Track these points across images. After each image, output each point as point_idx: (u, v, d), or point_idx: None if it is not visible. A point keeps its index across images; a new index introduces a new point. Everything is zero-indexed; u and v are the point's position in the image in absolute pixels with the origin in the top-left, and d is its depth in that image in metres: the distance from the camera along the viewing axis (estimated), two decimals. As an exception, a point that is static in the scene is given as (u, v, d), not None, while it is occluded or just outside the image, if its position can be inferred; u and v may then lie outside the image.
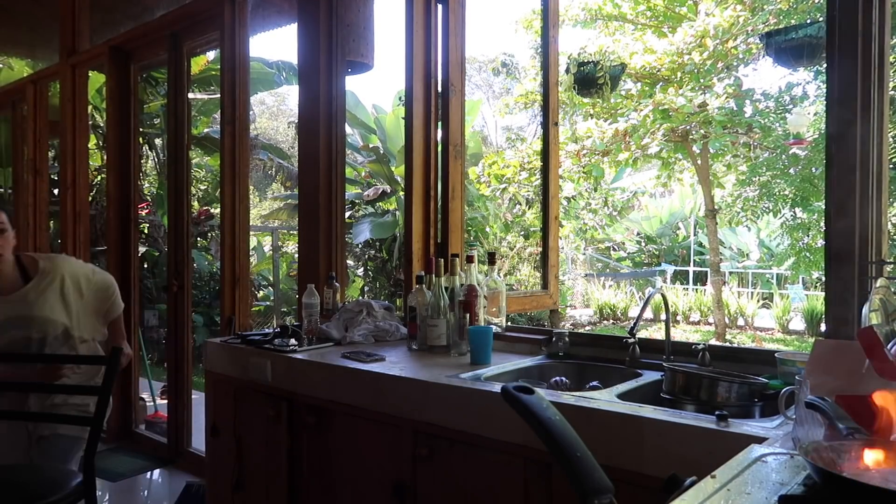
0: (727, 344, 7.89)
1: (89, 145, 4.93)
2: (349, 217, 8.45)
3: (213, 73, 7.05)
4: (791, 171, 7.80)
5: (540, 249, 3.45)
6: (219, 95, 4.29)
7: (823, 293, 1.73)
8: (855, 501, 0.80)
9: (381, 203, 8.60)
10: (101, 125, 6.59)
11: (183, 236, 3.76)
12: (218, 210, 5.76)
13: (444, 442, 1.76)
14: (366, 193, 8.56)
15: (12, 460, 2.26)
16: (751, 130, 8.02)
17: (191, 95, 5.97)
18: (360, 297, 6.47)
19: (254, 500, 2.43)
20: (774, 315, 10.94)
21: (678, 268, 14.08)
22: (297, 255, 5.83)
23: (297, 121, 2.99)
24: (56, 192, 5.16)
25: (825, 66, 1.67)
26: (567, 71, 5.96)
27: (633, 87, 8.73)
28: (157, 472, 3.65)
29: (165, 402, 4.02)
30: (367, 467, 2.00)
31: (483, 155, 10.16)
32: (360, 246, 8.70)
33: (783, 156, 7.95)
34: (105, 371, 2.23)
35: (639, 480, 1.38)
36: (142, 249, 7.00)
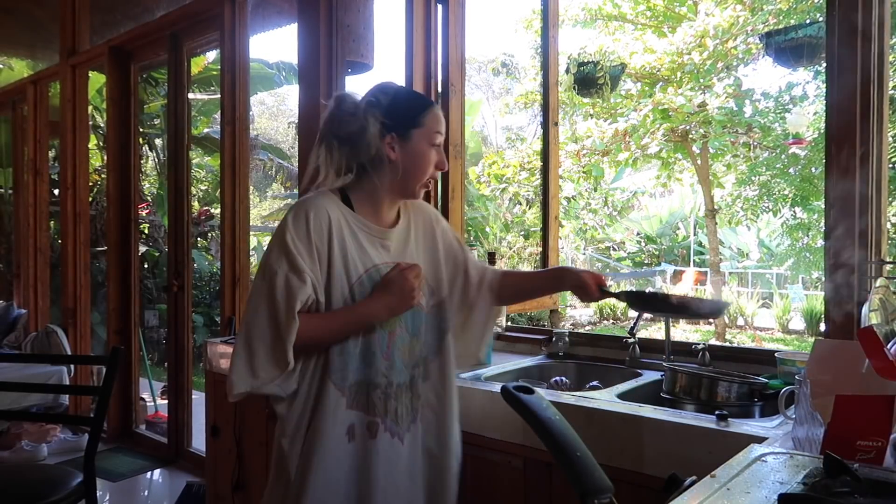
0: (727, 344, 7.90)
1: (89, 145, 4.93)
2: (349, 217, 8.42)
3: (213, 73, 7.05)
4: (791, 170, 7.80)
5: (540, 249, 3.44)
6: (219, 95, 4.29)
7: (823, 293, 1.73)
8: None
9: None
10: (102, 125, 6.60)
11: (183, 236, 3.76)
12: (218, 210, 5.76)
13: (445, 442, 1.76)
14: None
15: None
16: (751, 130, 8.02)
17: (191, 95, 5.97)
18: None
19: (254, 500, 2.43)
20: (774, 315, 10.94)
21: (678, 268, 14.07)
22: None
23: (297, 121, 2.99)
24: (56, 192, 5.16)
25: (825, 65, 1.67)
26: (567, 71, 5.95)
27: (633, 87, 8.73)
28: (157, 472, 3.65)
29: (166, 402, 4.02)
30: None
31: (483, 155, 10.17)
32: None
33: (783, 156, 7.95)
34: (105, 371, 2.23)
35: (639, 480, 1.38)
36: (142, 249, 6.99)
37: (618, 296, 1.51)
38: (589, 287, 1.48)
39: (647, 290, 1.49)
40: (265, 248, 1.38)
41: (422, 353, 1.43)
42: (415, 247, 1.47)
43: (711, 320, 10.77)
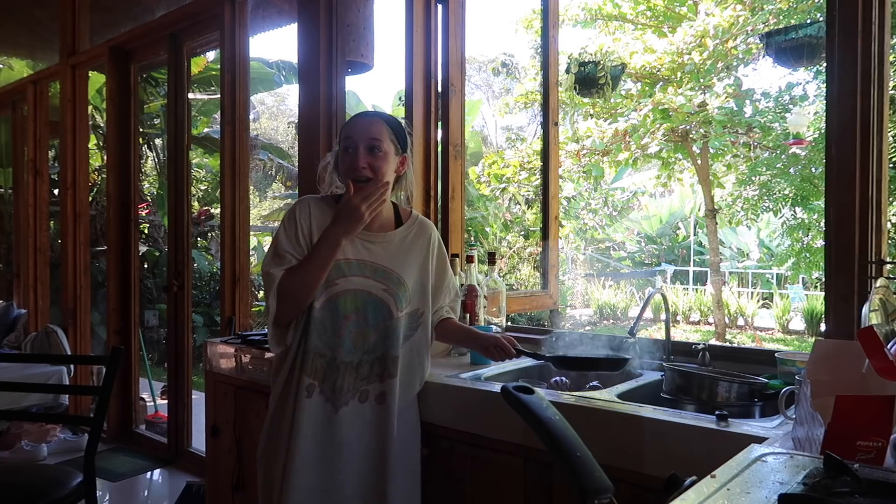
0: (727, 344, 7.89)
1: (89, 145, 4.93)
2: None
3: (213, 73, 7.05)
4: (791, 170, 7.80)
5: (540, 249, 3.45)
6: (219, 95, 4.29)
7: (823, 293, 1.73)
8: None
9: (381, 203, 8.57)
10: (102, 125, 6.60)
11: (183, 236, 3.76)
12: (218, 210, 5.76)
13: (445, 442, 1.76)
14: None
15: None
16: (751, 130, 8.02)
17: (191, 95, 5.97)
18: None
19: (254, 500, 2.43)
20: (774, 315, 10.94)
21: (678, 268, 14.08)
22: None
23: (297, 121, 2.99)
24: (56, 192, 5.16)
25: (825, 66, 1.67)
26: (567, 71, 5.95)
27: (633, 86, 8.73)
28: (157, 472, 3.65)
29: (165, 402, 4.02)
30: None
31: (483, 155, 10.17)
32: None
33: (783, 156, 7.95)
34: (105, 371, 2.22)
35: (639, 480, 1.38)
36: (142, 249, 7.00)
37: (534, 356, 1.74)
38: (505, 347, 1.68)
39: (561, 355, 1.79)
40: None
41: (379, 346, 1.65)
42: (404, 255, 1.71)
43: (712, 320, 10.78)
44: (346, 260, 1.63)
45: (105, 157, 5.40)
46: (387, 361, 1.65)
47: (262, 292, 8.76)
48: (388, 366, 1.65)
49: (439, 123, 2.56)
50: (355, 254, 1.65)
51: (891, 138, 4.51)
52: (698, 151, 8.85)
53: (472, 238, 8.70)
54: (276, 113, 20.04)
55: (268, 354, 2.37)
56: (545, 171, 2.81)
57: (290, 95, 19.23)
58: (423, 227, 1.78)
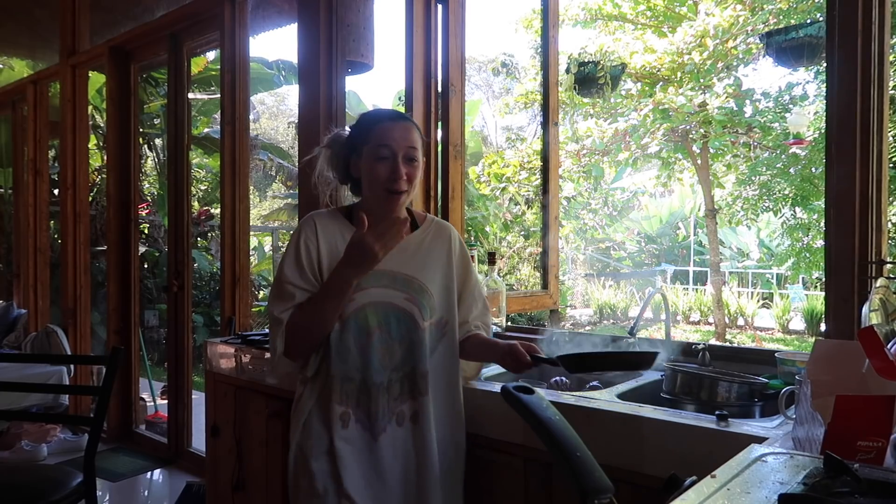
0: (727, 344, 7.89)
1: (89, 145, 4.93)
2: (349, 217, 8.41)
3: (213, 73, 7.05)
4: (791, 170, 7.80)
5: (540, 249, 3.45)
6: (219, 95, 4.29)
7: (823, 293, 1.73)
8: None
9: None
10: (102, 125, 6.60)
11: (183, 236, 3.76)
12: (218, 210, 5.76)
13: (445, 442, 1.76)
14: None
15: None
16: (751, 130, 8.02)
17: (191, 95, 5.97)
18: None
19: (254, 500, 2.43)
20: (774, 315, 10.94)
21: (678, 268, 14.08)
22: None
23: (297, 121, 2.99)
24: (56, 192, 5.16)
25: (825, 65, 1.67)
26: (567, 71, 5.95)
27: (633, 87, 8.73)
28: (157, 472, 3.65)
29: (165, 402, 4.02)
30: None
31: (483, 155, 10.16)
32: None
33: (783, 156, 7.95)
34: (105, 371, 2.22)
35: (639, 480, 1.38)
36: (142, 249, 6.99)
37: (551, 361, 1.45)
38: (520, 354, 1.46)
39: (579, 353, 1.48)
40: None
41: (407, 360, 1.51)
42: (424, 260, 1.57)
43: (712, 320, 10.78)
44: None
45: (105, 157, 5.40)
46: (416, 377, 1.51)
47: (262, 292, 8.77)
48: (417, 382, 1.51)
49: (439, 123, 2.56)
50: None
51: (891, 138, 4.50)
52: (698, 151, 8.85)
53: (472, 238, 8.69)
54: (276, 113, 20.04)
55: (268, 355, 2.37)
56: (545, 171, 2.81)
57: (290, 95, 19.23)
58: (442, 229, 1.65)
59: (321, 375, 1.51)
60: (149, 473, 3.63)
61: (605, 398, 1.61)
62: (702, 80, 7.88)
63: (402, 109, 2.28)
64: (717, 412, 1.38)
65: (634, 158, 8.67)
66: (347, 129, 1.60)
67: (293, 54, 2.90)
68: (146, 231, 7.74)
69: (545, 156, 2.81)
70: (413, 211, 1.66)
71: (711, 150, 8.75)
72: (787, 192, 7.88)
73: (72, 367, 4.17)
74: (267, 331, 2.72)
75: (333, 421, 1.47)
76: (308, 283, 1.49)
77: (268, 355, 2.37)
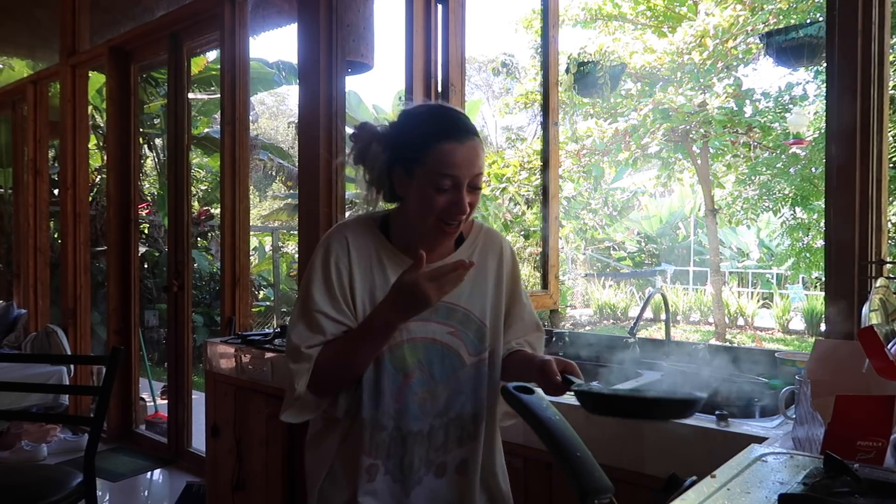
0: (727, 344, 7.88)
1: (89, 145, 4.93)
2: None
3: (213, 73, 7.05)
4: (791, 170, 7.81)
5: (540, 249, 3.44)
6: (219, 95, 4.29)
7: (823, 293, 1.73)
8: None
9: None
10: (102, 125, 6.60)
11: (183, 236, 3.76)
12: (218, 210, 5.76)
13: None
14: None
15: None
16: (751, 130, 8.03)
17: (191, 95, 5.97)
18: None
19: (254, 500, 2.43)
20: (774, 315, 10.94)
21: (678, 268, 14.07)
22: (297, 256, 5.82)
23: (297, 121, 2.99)
24: (56, 192, 5.16)
25: (825, 65, 1.67)
26: (567, 71, 5.95)
27: (633, 86, 8.73)
28: (157, 472, 3.65)
29: (165, 402, 4.02)
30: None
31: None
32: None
33: (783, 156, 7.95)
34: (105, 371, 2.22)
35: (639, 480, 1.38)
36: (142, 249, 7.00)
37: (580, 398, 1.12)
38: (551, 374, 1.18)
39: (612, 391, 1.15)
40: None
41: (452, 405, 1.28)
42: (470, 282, 1.26)
43: (712, 320, 10.78)
44: None
45: (105, 157, 5.40)
46: (464, 422, 1.29)
47: (262, 292, 8.77)
48: (466, 426, 1.29)
49: (439, 123, 2.55)
50: None
51: (891, 138, 4.50)
52: (698, 151, 8.85)
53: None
54: (276, 113, 20.04)
55: (268, 355, 2.37)
56: (545, 171, 2.81)
57: (290, 95, 19.23)
58: (492, 240, 1.35)
59: (349, 418, 1.27)
60: (149, 473, 3.63)
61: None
62: (702, 80, 7.88)
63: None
64: (717, 412, 1.38)
65: (634, 158, 8.67)
66: (386, 122, 1.27)
67: (293, 54, 2.90)
68: (146, 231, 7.74)
69: (545, 156, 2.81)
70: None
71: (711, 150, 8.75)
72: (787, 192, 7.89)
73: (72, 367, 4.17)
74: (267, 331, 2.72)
75: (360, 473, 1.25)
76: (341, 315, 1.23)
77: (268, 355, 2.37)
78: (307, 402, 1.24)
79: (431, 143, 1.16)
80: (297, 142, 3.05)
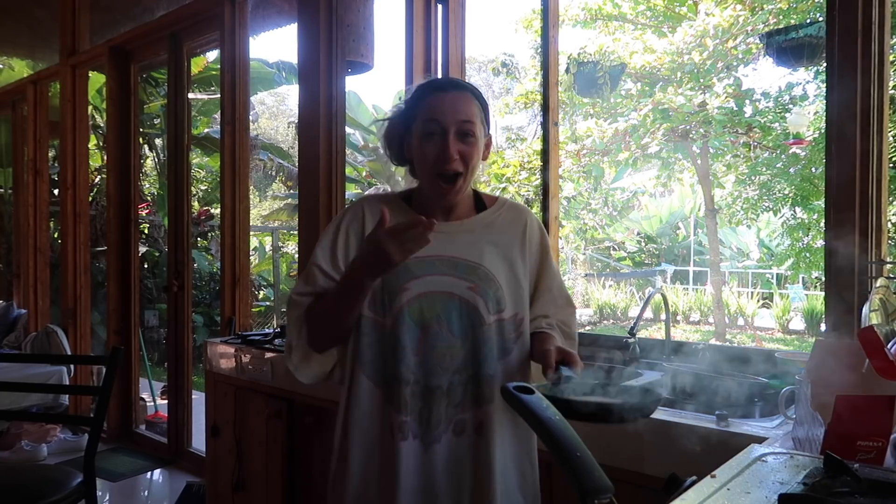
0: (727, 344, 7.89)
1: (89, 145, 4.93)
2: (349, 217, 8.43)
3: (213, 73, 7.05)
4: (791, 170, 7.81)
5: (540, 249, 3.44)
6: (219, 95, 4.29)
7: (823, 293, 1.73)
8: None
9: (381, 203, 8.59)
10: (102, 125, 6.60)
11: (183, 236, 3.76)
12: (218, 210, 5.76)
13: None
14: (366, 193, 8.56)
15: None
16: (751, 130, 8.03)
17: (191, 95, 5.97)
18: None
19: (254, 500, 2.43)
20: (774, 315, 10.94)
21: (678, 268, 14.07)
22: (297, 256, 5.82)
23: (297, 121, 2.99)
24: (56, 192, 5.16)
25: (825, 65, 1.67)
26: (567, 71, 5.96)
27: (633, 86, 8.73)
28: (157, 472, 3.65)
29: (165, 402, 4.02)
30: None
31: (483, 155, 10.14)
32: (360, 246, 8.68)
33: (783, 155, 7.95)
34: (105, 371, 2.23)
35: (639, 480, 1.38)
36: (142, 249, 7.00)
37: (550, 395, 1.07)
38: (548, 357, 1.21)
39: (566, 398, 1.11)
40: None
41: (469, 363, 1.28)
42: (492, 244, 1.33)
43: (712, 320, 10.78)
44: (414, 257, 1.19)
45: (105, 157, 5.40)
46: (481, 382, 1.28)
47: (262, 292, 8.77)
48: (482, 387, 1.28)
49: (439, 123, 2.55)
50: (426, 248, 1.17)
51: (891, 138, 4.50)
52: (698, 151, 8.85)
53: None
54: (276, 113, 20.03)
55: (268, 355, 2.37)
56: (545, 171, 2.81)
57: (290, 95, 19.23)
58: (516, 212, 1.40)
59: (352, 377, 1.32)
60: (149, 473, 3.63)
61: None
62: (702, 80, 7.88)
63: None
64: (717, 412, 1.38)
65: (634, 158, 8.67)
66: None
67: (293, 54, 2.90)
68: (146, 231, 7.74)
69: (545, 156, 2.81)
70: (482, 193, 1.42)
71: (711, 150, 8.75)
72: (787, 192, 7.89)
73: (72, 367, 4.18)
74: (267, 331, 2.73)
75: (393, 432, 1.26)
76: (335, 271, 1.31)
77: (268, 355, 2.37)
78: (306, 354, 1.32)
79: (420, 98, 1.30)
80: (297, 142, 3.05)
